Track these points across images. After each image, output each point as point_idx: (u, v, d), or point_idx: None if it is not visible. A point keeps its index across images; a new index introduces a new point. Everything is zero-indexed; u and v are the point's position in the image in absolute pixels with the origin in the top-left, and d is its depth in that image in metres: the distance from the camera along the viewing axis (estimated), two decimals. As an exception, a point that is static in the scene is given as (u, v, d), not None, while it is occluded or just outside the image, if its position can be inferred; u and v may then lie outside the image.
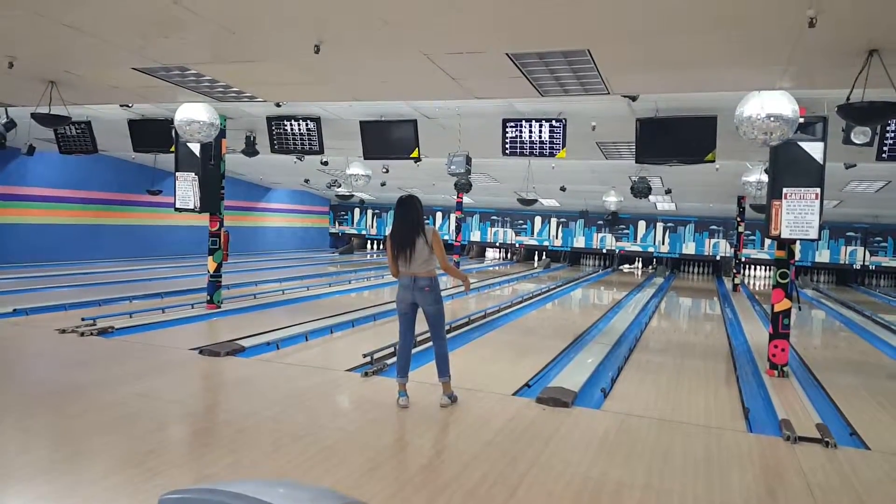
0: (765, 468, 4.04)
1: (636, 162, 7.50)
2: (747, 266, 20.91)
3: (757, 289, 17.81)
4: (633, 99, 6.70)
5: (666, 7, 3.76)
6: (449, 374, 5.10)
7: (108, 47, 5.17)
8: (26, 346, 6.84)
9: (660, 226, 21.58)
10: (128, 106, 8.96)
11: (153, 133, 9.63)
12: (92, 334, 7.11)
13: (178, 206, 9.10)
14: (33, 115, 6.94)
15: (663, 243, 21.60)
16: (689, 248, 21.33)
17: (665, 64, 4.97)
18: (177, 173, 9.11)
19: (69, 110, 7.05)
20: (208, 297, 9.25)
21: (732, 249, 18.71)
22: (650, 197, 13.72)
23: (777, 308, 6.57)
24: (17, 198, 14.33)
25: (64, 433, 4.19)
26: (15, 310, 8.29)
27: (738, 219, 15.99)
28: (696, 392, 5.81)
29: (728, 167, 10.51)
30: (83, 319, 7.74)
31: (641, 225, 21.79)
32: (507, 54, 4.78)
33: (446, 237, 24.12)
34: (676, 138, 7.06)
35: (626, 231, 21.98)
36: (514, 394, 5.43)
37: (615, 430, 4.57)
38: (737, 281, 16.28)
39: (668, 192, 14.89)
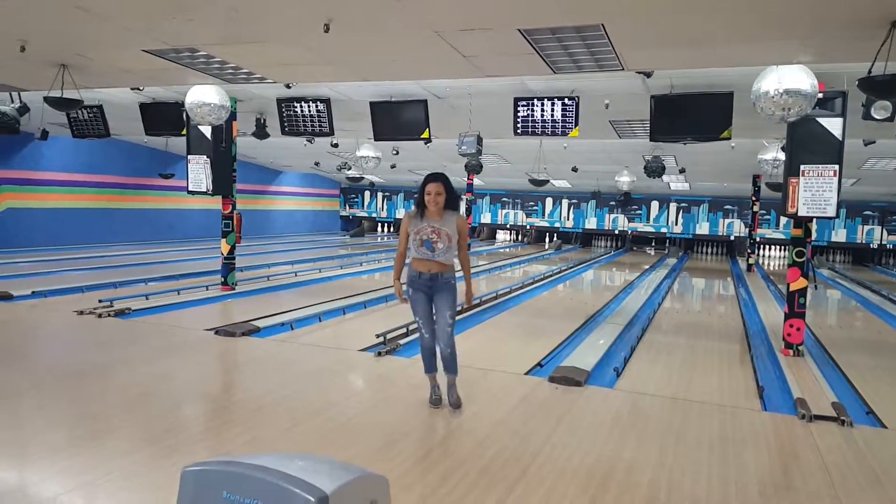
0: (780, 447, 4.02)
1: (650, 140, 7.42)
2: (762, 246, 20.73)
3: (772, 269, 17.67)
4: (648, 75, 6.61)
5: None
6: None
7: (119, 29, 5.15)
8: (45, 328, 6.93)
9: (673, 206, 21.41)
10: (139, 89, 8.96)
11: (164, 116, 9.64)
12: (109, 315, 7.19)
13: (190, 188, 9.13)
14: (46, 99, 6.95)
15: (676, 224, 21.43)
16: (703, 229, 21.16)
17: (680, 38, 4.88)
18: (189, 156, 9.13)
19: (81, 94, 7.06)
20: (222, 279, 9.31)
21: (747, 229, 18.52)
22: (664, 176, 13.58)
23: (793, 287, 6.50)
24: (32, 182, 14.45)
25: (83, 412, 4.25)
26: (33, 292, 8.39)
27: (753, 198, 15.82)
28: (710, 371, 5.79)
29: (743, 145, 10.38)
30: (100, 301, 7.82)
31: (654, 205, 21.62)
32: (519, 30, 4.71)
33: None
34: (691, 115, 6.96)
35: (638, 211, 21.81)
36: (527, 373, 5.44)
37: (628, 410, 4.56)
38: (751, 261, 16.15)
39: (682, 171, 14.73)
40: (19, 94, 9.32)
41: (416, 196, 4.31)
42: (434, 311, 4.34)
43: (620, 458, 3.65)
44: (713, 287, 13.46)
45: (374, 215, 25.70)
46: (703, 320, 8.77)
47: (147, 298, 8.23)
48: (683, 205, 21.30)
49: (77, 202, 15.42)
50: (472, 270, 14.10)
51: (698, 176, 16.77)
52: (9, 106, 9.31)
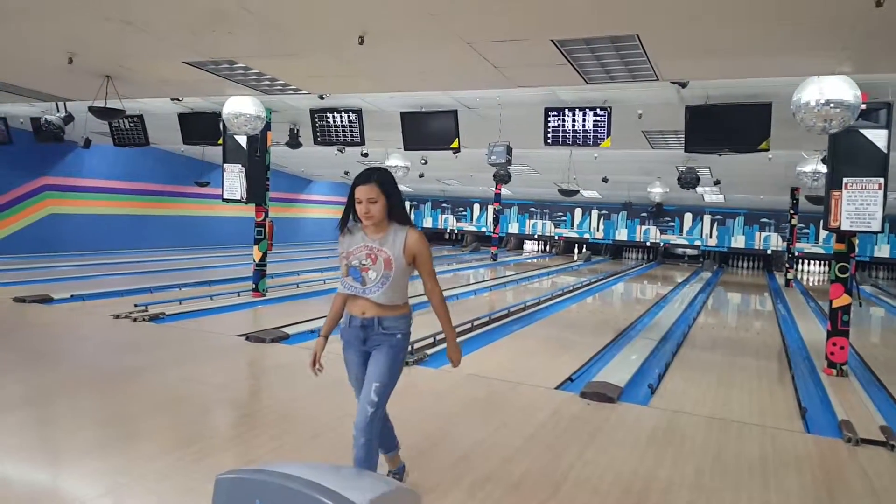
0: (825, 470, 3.87)
1: (685, 151, 7.29)
2: (801, 261, 20.22)
3: (811, 284, 17.21)
4: (683, 85, 6.51)
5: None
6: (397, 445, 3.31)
7: (161, 42, 5.27)
8: (82, 331, 7.08)
9: (707, 218, 21.03)
10: (178, 99, 9.15)
11: (202, 126, 9.82)
12: (144, 320, 7.31)
13: (225, 196, 9.27)
14: (90, 109, 7.14)
15: (711, 236, 21.05)
16: (739, 242, 20.73)
17: (717, 49, 4.80)
18: (224, 165, 9.27)
19: (123, 104, 7.23)
20: (254, 286, 9.42)
21: (785, 243, 18.09)
22: (697, 188, 13.36)
23: (836, 304, 6.30)
24: (74, 189, 14.84)
25: (117, 414, 4.31)
26: (72, 296, 8.58)
27: (791, 211, 15.45)
28: (749, 390, 5.63)
29: (781, 157, 10.15)
30: (136, 305, 7.96)
31: (688, 217, 21.27)
32: (552, 41, 4.69)
33: (483, 230, 24.10)
34: (728, 126, 6.82)
35: (671, 223, 21.49)
36: (557, 388, 5.35)
37: (663, 428, 4.45)
38: (789, 276, 15.75)
39: (716, 182, 14.47)
40: (65, 104, 9.60)
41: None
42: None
43: (656, 478, 3.56)
44: (750, 302, 13.16)
45: (402, 224, 25.78)
46: (740, 337, 8.57)
47: (181, 303, 8.35)
48: (718, 217, 20.91)
49: (116, 208, 15.79)
50: (498, 281, 14.24)
51: (734, 188, 16.46)
52: (55, 115, 9.59)
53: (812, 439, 4.39)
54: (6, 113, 11.43)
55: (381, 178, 2.79)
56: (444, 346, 6.49)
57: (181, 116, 9.87)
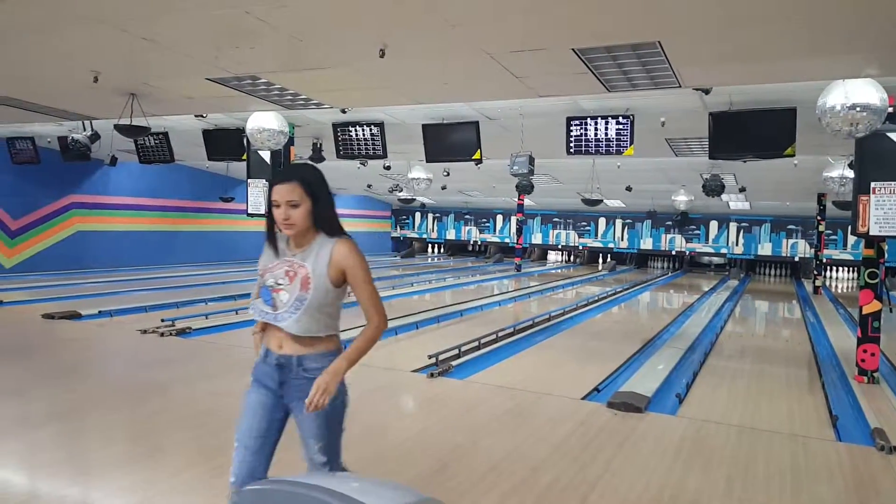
0: (857, 479, 3.77)
1: (710, 158, 7.22)
2: (829, 267, 19.83)
3: (840, 291, 16.87)
4: (706, 92, 6.45)
5: (742, -7, 3.59)
6: None
7: (185, 59, 5.36)
8: (110, 346, 7.19)
9: (733, 226, 20.75)
10: (202, 116, 9.30)
11: (226, 142, 9.96)
12: (171, 334, 7.40)
13: (250, 211, 9.37)
14: (116, 127, 7.29)
15: (737, 244, 20.75)
16: (765, 249, 20.41)
17: (740, 54, 4.75)
18: (248, 180, 9.38)
19: (148, 121, 7.37)
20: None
21: (812, 250, 17.77)
22: (723, 195, 13.20)
23: (866, 310, 6.17)
24: (101, 206, 15.13)
25: (144, 428, 4.35)
26: (100, 311, 8.72)
27: (819, 217, 15.19)
28: (778, 399, 5.52)
29: (807, 162, 9.98)
30: (163, 320, 8.07)
31: (713, 225, 21.01)
32: (573, 49, 4.68)
33: (506, 241, 24.05)
34: (753, 132, 6.75)
35: (696, 232, 21.24)
36: (584, 398, 5.30)
37: (692, 437, 4.38)
38: (818, 283, 15.46)
39: (742, 190, 14.28)
40: (91, 123, 9.82)
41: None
42: (292, 431, 2.38)
43: (685, 489, 3.49)
44: (778, 310, 12.93)
45: (424, 236, 25.85)
46: (768, 345, 8.41)
47: (207, 318, 8.44)
48: (744, 224, 20.62)
49: (142, 225, 16.06)
50: (522, 292, 14.22)
51: (760, 195, 16.22)
52: (81, 134, 9.81)
53: (844, 448, 4.29)
54: (34, 133, 11.71)
55: (305, 176, 2.26)
56: (469, 356, 6.60)
57: (205, 133, 10.03)
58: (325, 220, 2.29)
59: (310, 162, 2.64)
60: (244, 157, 9.56)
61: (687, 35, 4.40)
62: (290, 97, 6.71)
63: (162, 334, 7.39)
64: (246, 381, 6.40)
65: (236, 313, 8.93)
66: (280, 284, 2.27)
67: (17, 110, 7.91)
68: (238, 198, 16.05)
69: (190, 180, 16.84)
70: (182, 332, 7.52)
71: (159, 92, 6.68)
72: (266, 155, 9.14)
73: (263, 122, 7.79)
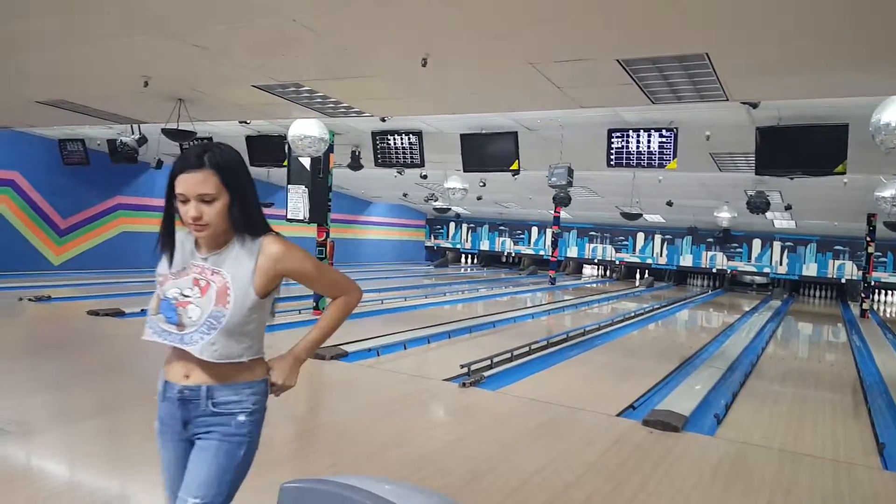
0: (907, 512, 3.61)
1: (756, 174, 7.05)
2: (877, 291, 19.15)
3: (889, 316, 16.28)
4: (754, 106, 6.31)
5: (794, 4, 3.50)
6: None
7: (232, 66, 5.48)
8: (152, 344, 7.32)
9: (777, 245, 20.21)
10: (246, 122, 9.49)
11: (268, 148, 10.15)
12: (208, 336, 7.51)
13: (289, 216, 9.51)
14: (163, 131, 7.49)
15: (781, 264, 20.19)
16: (811, 270, 19.81)
17: (791, 67, 4.63)
18: (289, 186, 9.53)
19: (194, 126, 7.55)
20: (314, 304, 9.58)
21: (860, 272, 17.19)
22: (767, 213, 12.88)
23: (918, 335, 5.92)
24: (146, 208, 15.54)
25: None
26: (142, 310, 8.82)
27: (868, 238, 14.69)
28: (822, 423, 5.33)
29: (857, 181, 9.68)
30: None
31: (756, 243, 20.49)
32: (617, 60, 4.63)
33: (541, 253, 23.84)
34: (802, 149, 6.57)
35: (738, 250, 20.74)
36: (618, 415, 5.19)
37: (731, 459, 4.25)
38: (865, 306, 14.93)
39: (787, 208, 13.92)
40: (139, 127, 10.08)
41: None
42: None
43: (723, 512, 3.39)
44: (822, 333, 12.52)
45: (458, 246, 25.84)
46: (812, 368, 8.14)
47: (244, 320, 8.55)
48: (789, 244, 20.06)
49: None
50: (556, 305, 14.10)
51: (806, 214, 15.79)
52: (129, 137, 10.09)
53: (890, 476, 4.12)
54: (85, 135, 12.11)
55: (219, 160, 1.74)
56: (501, 368, 6.55)
57: (249, 139, 10.23)
58: (247, 219, 1.80)
59: (223, 143, 1.71)
60: (285, 163, 9.71)
61: (736, 47, 4.31)
62: (332, 105, 6.79)
63: (200, 335, 7.50)
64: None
65: (273, 316, 9.03)
66: (187, 296, 1.78)
67: (70, 113, 8.19)
68: (278, 203, 16.31)
69: (232, 185, 17.17)
70: (220, 334, 7.62)
71: (206, 98, 6.84)
72: (306, 162, 9.27)
73: (305, 130, 7.90)
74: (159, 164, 13.19)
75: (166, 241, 1.91)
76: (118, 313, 8.65)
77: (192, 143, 10.67)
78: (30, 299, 9.28)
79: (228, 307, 1.76)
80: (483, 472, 3.77)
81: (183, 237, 1.90)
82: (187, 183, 1.75)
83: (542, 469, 3.90)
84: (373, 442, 4.24)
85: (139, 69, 5.89)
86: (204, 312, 1.76)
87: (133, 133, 10.23)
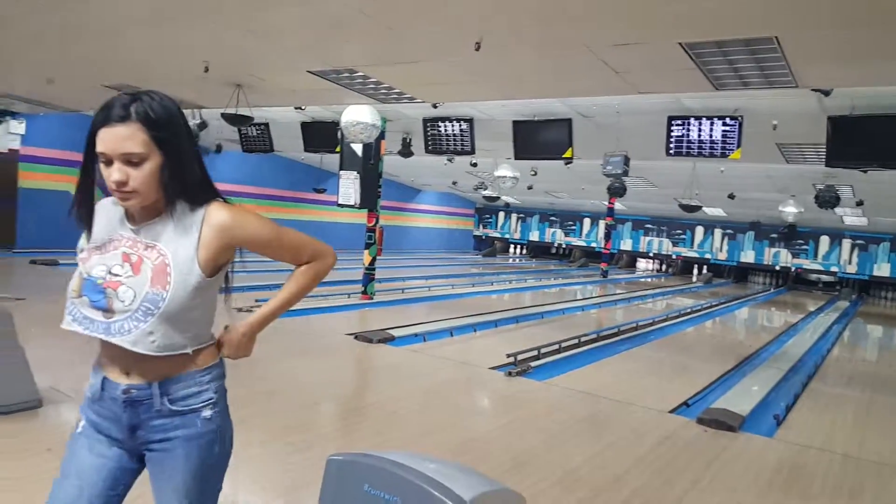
0: None
1: (826, 165, 6.68)
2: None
3: (967, 320, 15.31)
4: (826, 94, 5.97)
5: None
6: None
7: (287, 51, 5.53)
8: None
9: (846, 243, 19.22)
10: (301, 108, 9.60)
11: (322, 134, 10.27)
12: (261, 315, 7.67)
13: (340, 201, 9.60)
14: (223, 115, 7.65)
15: (850, 263, 19.21)
16: (883, 270, 18.75)
17: (866, 52, 4.35)
18: (341, 171, 9.61)
19: (252, 111, 7.68)
20: (363, 288, 9.66)
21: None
22: (837, 209, 12.26)
23: None
24: (206, 192, 16.00)
25: (232, 399, 4.48)
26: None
27: (946, 238, 13.83)
28: (890, 430, 5.02)
29: (938, 176, 9.10)
30: (256, 301, 8.36)
31: (824, 241, 19.53)
32: (680, 44, 4.43)
33: (592, 245, 23.46)
34: (878, 140, 6.18)
35: (804, 247, 19.83)
36: (671, 412, 5.02)
37: (789, 462, 4.04)
38: (941, 309, 14.09)
39: (859, 203, 13.21)
40: (200, 112, 10.34)
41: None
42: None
43: (780, 516, 3.22)
44: (893, 336, 11.88)
45: (506, 236, 25.63)
46: (881, 373, 7.73)
47: (296, 302, 8.69)
48: (859, 242, 19.04)
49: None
50: (607, 299, 13.84)
51: (879, 210, 14.96)
52: (191, 122, 10.35)
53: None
54: (150, 121, 12.48)
55: (149, 111, 1.42)
56: (549, 359, 6.44)
57: (303, 125, 10.36)
58: (184, 184, 1.49)
59: (156, 91, 1.44)
60: (338, 149, 9.79)
61: (808, 30, 4.07)
62: (384, 90, 6.78)
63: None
64: (330, 362, 6.55)
65: (324, 298, 9.16)
66: (117, 276, 1.46)
67: (135, 98, 8.45)
68: (330, 189, 16.54)
69: (287, 170, 17.51)
70: (272, 314, 7.76)
71: (263, 83, 6.94)
72: (358, 148, 9.33)
73: (358, 116, 7.93)
74: (219, 148, 13.53)
75: (82, 210, 1.52)
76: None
77: (248, 128, 10.91)
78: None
79: (168, 289, 1.45)
80: (526, 461, 3.70)
81: (109, 203, 1.56)
82: (109, 139, 1.41)
83: (588, 461, 3.80)
84: (417, 425, 4.23)
85: (200, 54, 6.01)
86: (138, 295, 1.43)
87: (194, 118, 10.49)
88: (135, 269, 1.46)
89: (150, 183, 1.44)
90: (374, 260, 9.66)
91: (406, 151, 10.84)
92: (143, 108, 1.42)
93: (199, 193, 1.54)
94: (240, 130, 11.09)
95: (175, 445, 1.51)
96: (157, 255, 1.47)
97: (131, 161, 1.42)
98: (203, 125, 10.57)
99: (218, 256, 1.54)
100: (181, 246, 1.49)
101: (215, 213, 1.53)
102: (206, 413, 1.56)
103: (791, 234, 19.54)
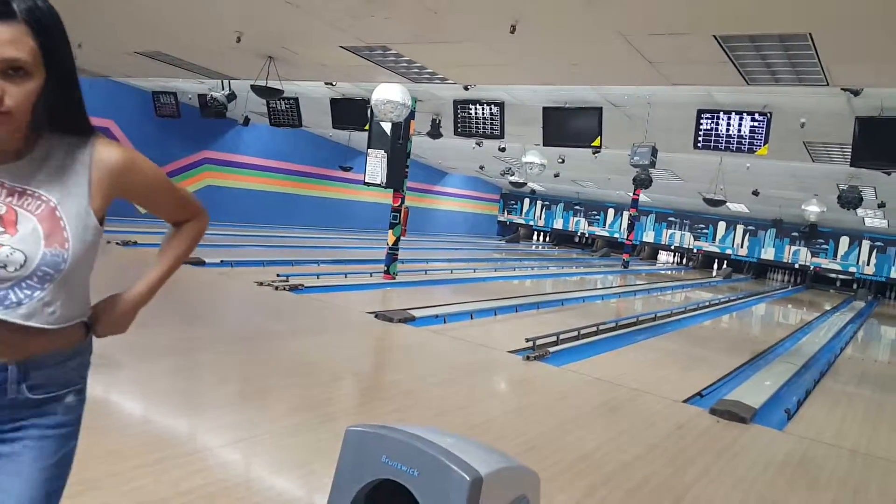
0: None
1: (852, 165, 6.65)
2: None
3: None
4: (855, 94, 5.94)
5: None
6: None
7: (322, 25, 5.59)
8: (229, 293, 7.72)
9: (866, 244, 19.01)
10: (332, 84, 9.67)
11: (351, 111, 10.33)
12: (284, 289, 7.84)
13: (367, 180, 9.68)
14: (253, 87, 7.75)
15: (868, 264, 19.02)
16: (901, 273, 18.57)
17: (903, 52, 4.33)
18: (368, 150, 9.68)
19: (282, 85, 7.77)
20: (385, 268, 9.78)
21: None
22: (858, 210, 12.15)
23: None
24: (231, 164, 16.17)
25: (253, 372, 4.66)
26: (222, 261, 9.37)
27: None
28: (903, 431, 5.07)
29: (966, 181, 9.00)
30: (278, 276, 8.55)
31: (844, 241, 19.34)
32: (714, 36, 4.45)
33: (615, 236, 23.38)
34: (905, 142, 6.15)
35: (824, 246, 19.65)
36: (684, 402, 5.10)
37: (798, 455, 4.12)
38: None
39: (881, 205, 13.07)
40: (229, 83, 10.46)
41: None
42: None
43: (787, 507, 3.31)
44: (910, 339, 11.80)
45: (531, 223, 25.62)
46: (892, 373, 7.73)
47: (318, 278, 8.86)
48: (878, 244, 18.82)
49: (266, 185, 17.01)
50: (627, 289, 13.90)
51: (902, 213, 14.79)
52: (220, 92, 10.47)
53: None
54: (177, 88, 12.63)
55: (34, 10, 1.12)
56: (567, 345, 6.53)
57: (332, 101, 10.43)
58: (76, 111, 1.23)
59: None
60: (366, 127, 9.86)
61: (843, 28, 4.07)
62: (416, 70, 6.84)
63: (276, 288, 7.83)
64: (350, 339, 6.69)
65: (346, 276, 9.31)
66: None
67: (165, 65, 8.57)
68: (356, 168, 16.64)
69: (313, 147, 17.61)
70: (294, 288, 7.94)
71: (295, 57, 7.02)
72: (387, 127, 9.39)
73: (389, 94, 7.99)
74: (246, 121, 13.67)
75: None
76: (199, 262, 9.09)
77: (277, 102, 11.00)
78: (117, 243, 9.90)
79: (68, 247, 1.19)
80: (541, 444, 3.81)
81: None
82: None
83: (602, 446, 3.90)
84: (435, 404, 4.35)
85: (233, 24, 6.09)
86: (31, 258, 1.15)
87: (223, 89, 10.61)
88: (5, 223, 1.15)
89: (27, 105, 1.13)
90: (397, 240, 9.76)
91: (435, 132, 10.88)
92: (28, 4, 1.11)
93: (84, 126, 1.25)
94: (268, 104, 11.19)
95: (26, 439, 1.23)
96: (38, 205, 1.18)
97: (12, 70, 1.10)
98: (232, 96, 10.71)
99: (106, 203, 1.26)
100: (69, 192, 1.21)
101: (106, 152, 1.26)
102: (69, 399, 1.29)
103: (812, 234, 19.37)
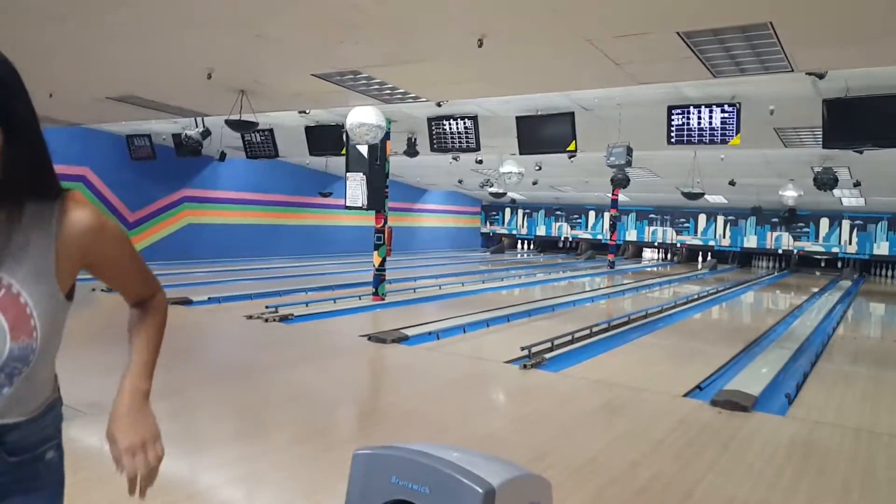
0: None
1: (823, 147, 6.77)
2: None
3: (971, 295, 15.37)
4: (820, 77, 6.04)
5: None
6: None
7: (293, 55, 5.61)
8: (219, 330, 7.64)
9: (846, 223, 19.32)
10: (305, 113, 9.69)
11: (326, 137, 10.34)
12: (274, 320, 7.77)
13: (348, 203, 9.69)
14: (227, 122, 7.73)
15: (850, 243, 19.31)
16: (882, 249, 18.85)
17: (861, 34, 4.43)
18: (347, 174, 9.70)
19: (256, 117, 7.76)
20: (374, 290, 9.75)
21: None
22: (835, 191, 12.34)
23: None
24: (210, 200, 16.08)
25: (251, 406, 4.60)
26: (209, 298, 9.29)
27: (947, 214, 13.90)
28: (901, 404, 5.12)
29: (936, 153, 9.17)
30: (267, 307, 8.49)
31: (824, 223, 19.65)
32: (677, 33, 4.52)
33: (598, 237, 23.61)
34: (871, 120, 6.27)
35: (805, 230, 19.93)
36: (684, 396, 5.12)
37: (804, 439, 4.14)
38: (945, 286, 14.16)
39: (856, 184, 13.29)
40: (202, 120, 10.45)
41: None
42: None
43: (797, 492, 3.31)
44: (897, 313, 11.96)
45: (514, 232, 25.72)
46: (886, 349, 7.82)
47: (307, 306, 8.80)
48: (858, 222, 19.14)
49: (248, 218, 16.93)
50: (616, 289, 13.99)
51: (876, 190, 15.03)
52: (194, 130, 10.46)
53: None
54: (151, 130, 12.58)
55: None
56: (562, 350, 6.55)
57: (308, 129, 10.44)
58: (39, 170, 1.09)
59: None
60: (343, 151, 9.88)
61: (802, 14, 4.15)
62: (388, 91, 6.87)
63: (266, 320, 7.77)
64: (345, 365, 6.63)
65: (335, 302, 9.26)
66: None
67: (138, 108, 8.53)
68: (336, 193, 16.63)
69: (291, 176, 17.59)
70: (285, 319, 7.88)
71: (267, 89, 7.02)
72: (364, 150, 9.42)
73: (363, 117, 8.02)
74: (223, 156, 13.63)
75: None
76: (186, 302, 9.02)
77: (252, 134, 10.99)
78: (102, 290, 9.76)
79: (36, 335, 1.07)
80: (547, 451, 3.80)
81: None
82: None
83: (607, 447, 3.90)
84: (436, 421, 4.32)
85: (203, 61, 6.08)
86: None
87: (197, 126, 10.59)
88: None
89: None
90: (383, 261, 9.75)
91: (411, 151, 10.92)
92: None
93: (49, 187, 1.10)
94: (243, 137, 11.18)
95: (13, 502, 1.14)
96: (5, 286, 1.03)
97: None
98: (206, 133, 10.69)
99: (74, 277, 1.13)
100: (32, 271, 1.05)
101: (75, 216, 1.10)
102: (50, 455, 1.21)
103: (791, 218, 19.66)
